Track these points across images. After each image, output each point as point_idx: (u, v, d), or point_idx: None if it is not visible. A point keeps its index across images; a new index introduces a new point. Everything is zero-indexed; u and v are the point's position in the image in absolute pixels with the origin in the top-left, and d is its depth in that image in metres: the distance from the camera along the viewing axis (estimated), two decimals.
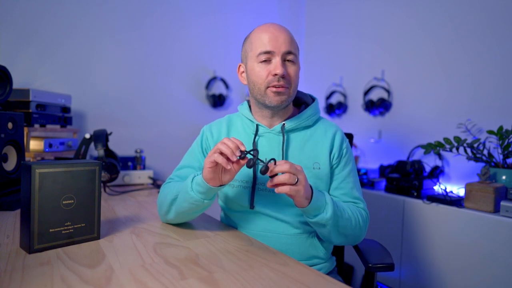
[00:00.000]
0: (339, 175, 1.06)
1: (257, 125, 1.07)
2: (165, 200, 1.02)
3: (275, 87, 0.98)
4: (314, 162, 1.04)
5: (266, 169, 0.84)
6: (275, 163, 0.85)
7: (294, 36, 1.05)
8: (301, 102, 1.14)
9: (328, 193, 1.07)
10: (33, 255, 0.78)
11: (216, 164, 0.87)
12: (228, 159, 0.86)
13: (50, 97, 1.81)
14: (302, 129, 1.07)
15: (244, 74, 1.08)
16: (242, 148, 0.86)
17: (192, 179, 0.93)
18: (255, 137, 1.06)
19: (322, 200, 0.92)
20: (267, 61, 0.99)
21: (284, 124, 1.04)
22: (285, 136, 1.05)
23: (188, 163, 1.12)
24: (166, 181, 1.13)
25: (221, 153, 0.86)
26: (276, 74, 0.97)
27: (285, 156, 1.04)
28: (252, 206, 1.04)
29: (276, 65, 0.97)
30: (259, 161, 0.89)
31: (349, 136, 1.41)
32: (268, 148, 1.05)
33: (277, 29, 1.00)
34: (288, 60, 0.99)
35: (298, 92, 1.16)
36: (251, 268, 0.75)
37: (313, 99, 1.14)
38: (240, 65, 1.09)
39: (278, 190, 0.84)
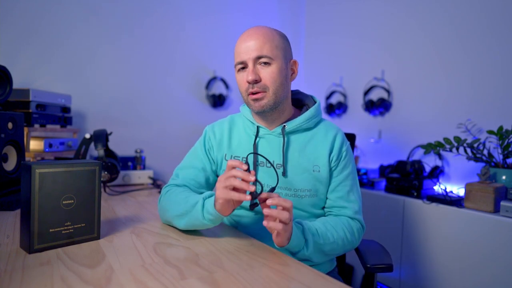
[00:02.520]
0: (336, 178, 1.05)
1: (257, 127, 1.07)
2: (169, 212, 1.00)
3: (252, 94, 0.99)
4: (314, 164, 1.03)
5: (256, 199, 0.82)
6: (273, 190, 0.85)
7: (288, 36, 1.04)
8: (302, 104, 1.13)
9: (326, 195, 1.07)
10: (33, 255, 0.78)
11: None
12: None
13: (50, 97, 1.81)
14: (303, 131, 1.07)
15: None
16: (252, 179, 0.82)
17: (203, 207, 0.90)
18: (255, 139, 1.06)
19: (301, 239, 0.90)
20: (244, 68, 1.00)
21: (284, 126, 1.04)
22: (286, 138, 1.04)
23: (191, 164, 1.12)
24: (169, 182, 1.11)
25: (235, 188, 0.83)
26: (249, 82, 0.98)
27: (285, 159, 1.03)
28: (252, 207, 1.04)
29: (247, 72, 0.98)
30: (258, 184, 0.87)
31: (351, 136, 1.40)
32: (269, 150, 1.05)
33: (250, 35, 0.99)
34: (264, 63, 0.98)
35: (300, 93, 1.15)
36: (251, 268, 0.75)
37: (314, 101, 1.12)
38: None
39: (270, 225, 0.81)
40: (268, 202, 0.82)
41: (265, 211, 0.81)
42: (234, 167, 0.84)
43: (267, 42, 0.98)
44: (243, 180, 0.82)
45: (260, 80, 0.98)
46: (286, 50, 1.02)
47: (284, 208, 0.82)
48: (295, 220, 0.94)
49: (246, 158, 0.90)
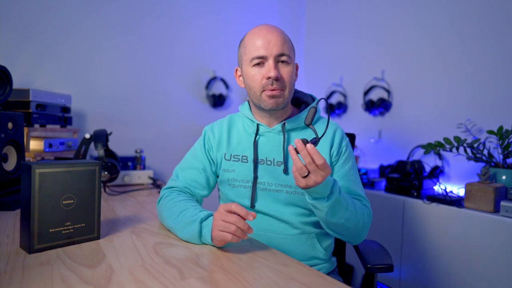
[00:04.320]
0: (339, 173, 1.05)
1: (257, 125, 1.07)
2: (166, 222, 1.00)
3: (270, 91, 0.99)
4: None
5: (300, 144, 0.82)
6: (317, 142, 0.85)
7: (289, 36, 1.05)
8: (301, 102, 1.14)
9: None
10: (33, 255, 0.78)
11: None
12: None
13: (50, 97, 1.81)
14: (302, 129, 1.07)
15: (241, 78, 1.08)
16: (251, 218, 0.81)
17: (200, 233, 0.87)
18: (255, 137, 1.07)
19: (328, 189, 0.88)
20: (261, 64, 0.99)
21: (284, 123, 1.05)
22: (286, 136, 1.05)
23: (191, 164, 1.12)
24: (168, 183, 1.12)
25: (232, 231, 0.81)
26: (269, 78, 0.97)
27: (286, 156, 1.04)
28: (252, 205, 1.04)
29: (269, 68, 0.98)
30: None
31: (351, 136, 1.40)
32: (269, 147, 1.06)
33: (269, 31, 0.99)
34: (282, 61, 0.99)
35: (298, 92, 1.16)
36: (251, 268, 0.75)
37: (313, 99, 1.14)
38: (237, 69, 1.10)
39: (293, 168, 0.85)
40: (308, 146, 0.82)
41: (291, 148, 0.83)
42: (231, 211, 0.82)
43: (286, 41, 1.00)
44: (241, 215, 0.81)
45: (281, 78, 0.98)
46: (295, 53, 1.06)
47: (314, 161, 0.81)
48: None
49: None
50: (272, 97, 0.99)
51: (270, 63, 0.98)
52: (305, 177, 0.83)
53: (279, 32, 1.00)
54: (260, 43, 0.98)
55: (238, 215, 0.81)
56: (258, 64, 0.99)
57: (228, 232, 0.81)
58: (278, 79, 0.98)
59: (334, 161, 1.05)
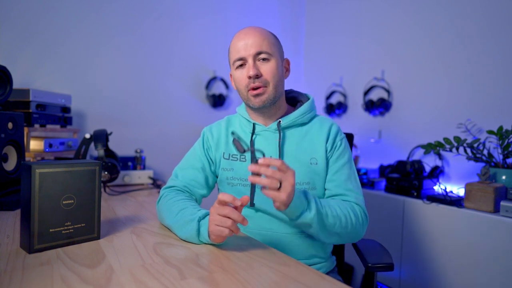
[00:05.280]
0: (332, 167, 1.06)
1: (253, 124, 1.09)
2: (165, 221, 1.01)
3: (253, 89, 1.02)
4: (311, 157, 1.05)
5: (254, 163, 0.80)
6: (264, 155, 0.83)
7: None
8: (297, 101, 1.16)
9: (323, 186, 1.07)
10: (33, 255, 0.78)
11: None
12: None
13: (50, 97, 1.81)
14: (298, 126, 1.09)
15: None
16: (238, 203, 0.82)
17: (198, 232, 0.87)
18: (252, 136, 1.08)
19: (303, 200, 0.89)
20: (243, 65, 1.03)
21: (280, 121, 1.06)
22: (281, 133, 1.06)
23: (190, 164, 1.13)
24: (168, 183, 1.13)
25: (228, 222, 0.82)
26: (250, 77, 1.00)
27: (281, 152, 1.05)
28: (252, 203, 1.05)
29: (248, 68, 1.01)
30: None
31: (349, 136, 1.41)
32: (266, 145, 1.07)
33: (247, 33, 1.03)
34: (262, 59, 1.02)
35: (294, 92, 1.18)
36: (251, 268, 0.75)
37: (308, 98, 1.15)
38: (230, 73, 1.13)
39: (263, 191, 0.82)
40: (260, 161, 0.79)
41: (250, 178, 0.81)
42: (226, 203, 0.82)
43: (265, 39, 1.03)
44: (237, 209, 0.82)
45: (261, 75, 1.01)
46: (280, 49, 1.07)
47: (279, 169, 0.80)
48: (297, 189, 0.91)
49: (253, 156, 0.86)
50: (257, 95, 1.02)
51: (249, 62, 1.01)
52: (279, 189, 0.81)
53: (257, 32, 1.03)
54: (239, 45, 1.02)
55: (232, 205, 0.82)
56: (240, 65, 1.03)
57: (224, 226, 0.81)
58: (258, 76, 1.01)
59: (328, 156, 1.06)
